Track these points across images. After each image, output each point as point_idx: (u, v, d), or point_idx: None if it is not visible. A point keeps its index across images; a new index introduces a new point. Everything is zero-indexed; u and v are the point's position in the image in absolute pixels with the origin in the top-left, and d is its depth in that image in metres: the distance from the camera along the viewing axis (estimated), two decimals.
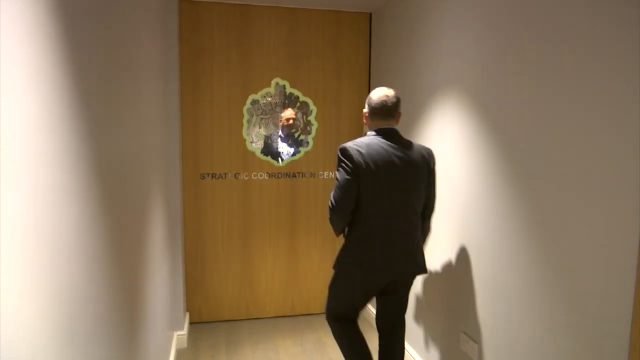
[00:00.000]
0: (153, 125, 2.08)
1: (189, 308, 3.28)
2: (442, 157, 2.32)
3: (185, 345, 2.95)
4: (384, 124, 1.99)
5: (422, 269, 2.03)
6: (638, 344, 1.24)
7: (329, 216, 1.99)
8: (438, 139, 2.38)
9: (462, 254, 2.14)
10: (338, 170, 1.93)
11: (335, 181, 1.93)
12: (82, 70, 0.98)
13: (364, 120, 2.07)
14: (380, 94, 2.00)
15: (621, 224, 1.30)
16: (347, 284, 2.04)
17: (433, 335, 2.45)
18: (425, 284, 2.53)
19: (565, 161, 1.50)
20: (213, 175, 3.24)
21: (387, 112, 1.98)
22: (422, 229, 2.08)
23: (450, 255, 2.25)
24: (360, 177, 1.88)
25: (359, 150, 1.89)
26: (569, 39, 1.48)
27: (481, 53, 1.97)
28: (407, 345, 2.76)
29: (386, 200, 1.92)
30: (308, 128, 3.39)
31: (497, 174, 1.87)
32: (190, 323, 3.27)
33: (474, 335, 2.06)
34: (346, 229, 2.03)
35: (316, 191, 3.43)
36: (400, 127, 2.97)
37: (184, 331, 2.98)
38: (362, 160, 1.87)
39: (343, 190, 1.89)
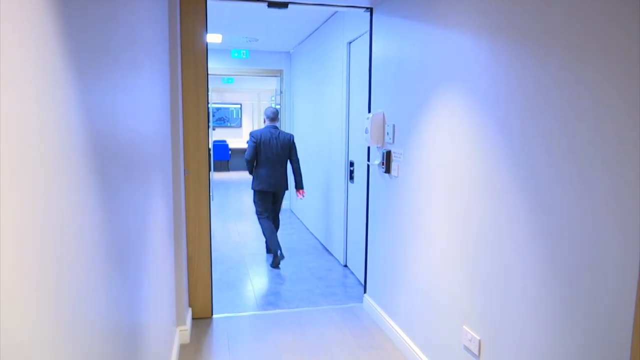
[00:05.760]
0: (153, 110, 2.08)
1: (191, 303, 3.30)
2: (444, 151, 2.32)
3: (188, 340, 2.97)
4: (271, 123, 4.58)
5: (285, 187, 4.61)
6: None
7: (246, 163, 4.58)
8: (440, 133, 2.38)
9: (465, 247, 2.15)
10: (247, 142, 4.50)
11: (247, 147, 4.55)
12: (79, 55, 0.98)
13: (264, 122, 4.64)
14: (272, 109, 4.60)
15: (624, 219, 1.30)
16: (256, 195, 4.63)
17: (434, 329, 2.46)
18: (427, 276, 2.53)
19: (568, 156, 1.50)
20: None
21: (274, 117, 4.58)
22: (294, 170, 4.64)
23: (453, 248, 2.26)
24: (256, 144, 4.46)
25: (257, 133, 4.49)
26: (571, 35, 1.48)
27: (482, 49, 1.97)
28: (406, 338, 2.78)
29: (269, 156, 4.47)
30: None
31: (500, 169, 1.87)
32: (193, 318, 3.29)
33: (476, 329, 2.07)
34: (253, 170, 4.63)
35: None
36: (401, 121, 2.95)
37: (187, 326, 2.99)
38: (258, 137, 4.47)
39: (249, 150, 4.48)
